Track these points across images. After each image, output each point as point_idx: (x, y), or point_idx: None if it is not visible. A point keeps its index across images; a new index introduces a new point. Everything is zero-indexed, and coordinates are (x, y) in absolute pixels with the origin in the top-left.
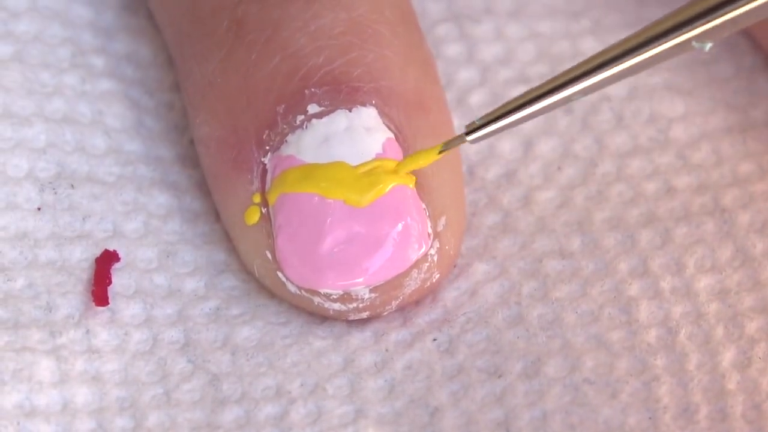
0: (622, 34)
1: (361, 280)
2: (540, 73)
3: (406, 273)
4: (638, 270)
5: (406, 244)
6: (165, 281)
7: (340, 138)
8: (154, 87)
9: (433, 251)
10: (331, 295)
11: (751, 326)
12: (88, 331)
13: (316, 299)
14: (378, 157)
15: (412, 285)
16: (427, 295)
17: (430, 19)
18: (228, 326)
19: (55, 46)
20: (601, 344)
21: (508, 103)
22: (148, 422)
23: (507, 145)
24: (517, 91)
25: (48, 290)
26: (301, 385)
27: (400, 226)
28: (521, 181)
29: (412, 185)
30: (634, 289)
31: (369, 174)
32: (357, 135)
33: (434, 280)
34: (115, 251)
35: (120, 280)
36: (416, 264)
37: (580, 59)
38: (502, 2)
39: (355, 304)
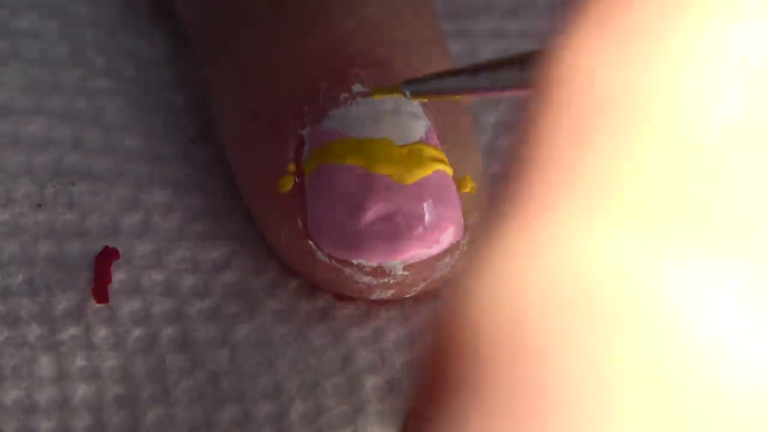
0: None
1: (398, 254)
2: None
3: (441, 256)
4: None
5: (444, 226)
6: (163, 278)
7: (387, 118)
8: (153, 86)
9: (464, 242)
10: (364, 267)
11: None
12: (88, 328)
13: (347, 270)
14: (421, 141)
15: (442, 270)
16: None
17: None
18: (226, 324)
19: (54, 43)
20: None
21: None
22: (147, 420)
23: (507, 142)
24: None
25: (47, 286)
26: (300, 383)
27: (440, 209)
28: None
29: (451, 173)
30: None
31: (413, 155)
32: (403, 118)
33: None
34: (114, 248)
35: (119, 276)
36: (451, 249)
37: None
38: (501, 0)
39: (386, 279)
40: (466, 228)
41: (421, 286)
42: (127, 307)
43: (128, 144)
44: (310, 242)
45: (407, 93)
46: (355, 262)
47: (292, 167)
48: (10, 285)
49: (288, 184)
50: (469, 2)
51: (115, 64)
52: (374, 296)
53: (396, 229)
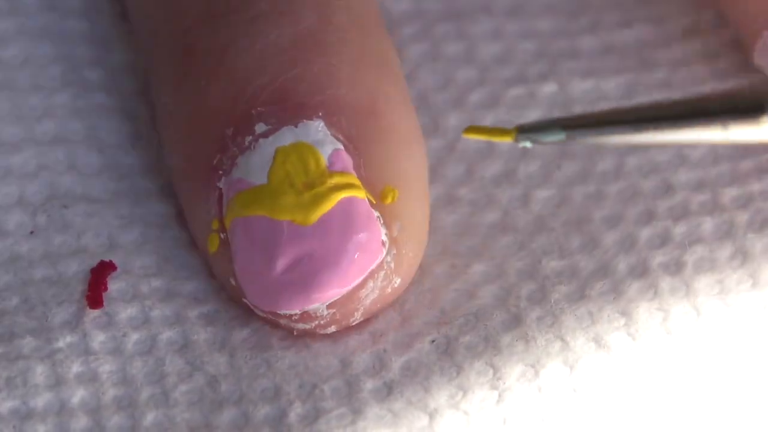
0: (621, 33)
1: (315, 296)
2: (539, 73)
3: (362, 285)
4: (637, 270)
5: (356, 256)
6: (163, 284)
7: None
8: (151, 95)
9: (389, 258)
10: (291, 315)
11: None
12: (85, 335)
13: (282, 320)
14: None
15: (371, 295)
16: (392, 303)
17: (428, 17)
18: (226, 327)
19: (46, 66)
20: (601, 346)
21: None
22: (146, 422)
23: (506, 143)
24: (515, 91)
25: (43, 302)
26: (299, 386)
27: (350, 239)
28: (520, 180)
29: (362, 195)
30: (633, 289)
31: (312, 190)
32: None
33: (395, 286)
34: (111, 261)
35: (117, 285)
36: (371, 275)
37: (579, 58)
38: (500, 0)
39: (316, 322)
40: (392, 241)
41: (357, 314)
42: (126, 313)
43: (124, 160)
44: (244, 300)
45: (521, 139)
46: (281, 312)
47: (215, 224)
48: (6, 307)
49: (214, 243)
50: (467, 2)
51: (111, 78)
52: (320, 332)
53: (306, 274)
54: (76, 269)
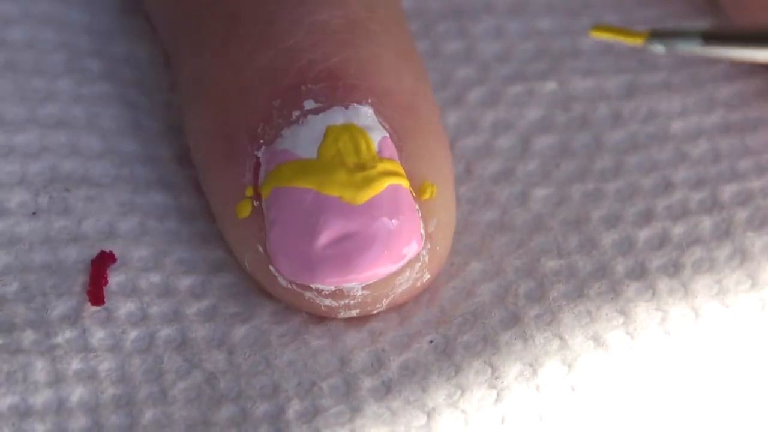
0: None
1: (354, 276)
2: (539, 71)
3: (399, 272)
4: (636, 271)
5: (400, 243)
6: (161, 279)
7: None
8: (151, 87)
9: (424, 252)
10: (322, 290)
11: None
12: (84, 330)
13: (308, 294)
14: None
15: (404, 284)
16: (416, 295)
17: (430, 15)
18: (225, 325)
19: (49, 51)
20: (599, 345)
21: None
22: (144, 419)
23: (505, 141)
24: (515, 89)
25: (43, 293)
26: (298, 383)
27: (394, 225)
28: (519, 178)
29: (406, 185)
30: (631, 290)
31: (364, 172)
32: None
33: (425, 281)
34: (111, 252)
35: (116, 279)
36: (409, 264)
37: (580, 57)
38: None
39: (346, 301)
40: (427, 236)
41: (385, 302)
42: (125, 308)
43: (125, 148)
44: (271, 268)
45: (653, 44)
46: (313, 286)
47: (249, 191)
48: (5, 293)
49: (245, 209)
50: (469, 1)
51: (112, 69)
52: (340, 316)
53: (349, 252)
54: (76, 258)
